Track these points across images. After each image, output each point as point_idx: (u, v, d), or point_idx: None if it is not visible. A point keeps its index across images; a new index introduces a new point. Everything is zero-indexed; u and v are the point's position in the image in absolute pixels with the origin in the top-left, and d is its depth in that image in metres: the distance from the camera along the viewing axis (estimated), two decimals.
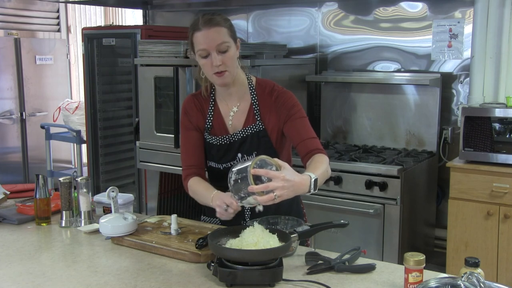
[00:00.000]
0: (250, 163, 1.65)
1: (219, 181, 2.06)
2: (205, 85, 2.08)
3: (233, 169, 1.69)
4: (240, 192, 1.68)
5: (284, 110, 2.00)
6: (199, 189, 1.98)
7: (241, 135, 2.01)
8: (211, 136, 2.04)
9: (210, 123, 2.06)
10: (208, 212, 2.16)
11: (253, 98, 2.03)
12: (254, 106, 2.02)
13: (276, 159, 1.71)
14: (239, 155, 2.01)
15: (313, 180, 1.72)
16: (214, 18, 1.91)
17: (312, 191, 1.73)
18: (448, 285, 1.43)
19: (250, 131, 2.01)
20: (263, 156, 1.70)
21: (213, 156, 2.05)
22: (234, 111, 2.05)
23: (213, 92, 2.08)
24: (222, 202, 1.78)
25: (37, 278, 1.69)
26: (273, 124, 2.01)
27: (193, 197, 2.04)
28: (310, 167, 1.85)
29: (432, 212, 3.85)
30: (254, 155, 1.99)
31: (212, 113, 2.06)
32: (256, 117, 2.01)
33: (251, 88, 2.05)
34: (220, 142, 2.03)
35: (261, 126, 2.01)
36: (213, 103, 2.07)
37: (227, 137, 2.02)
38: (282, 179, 1.63)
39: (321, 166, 1.84)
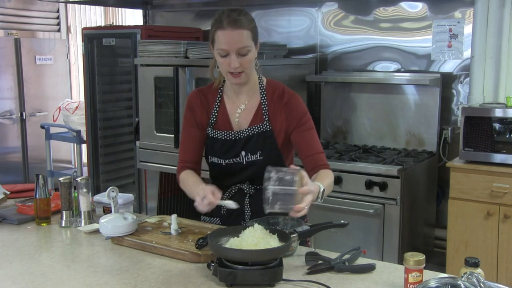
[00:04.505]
0: (292, 179, 1.62)
1: (221, 178, 2.08)
2: (218, 79, 2.08)
3: (272, 180, 1.63)
4: (276, 203, 1.63)
5: (295, 117, 2.01)
6: (189, 181, 2.01)
7: (247, 133, 2.01)
8: (215, 131, 2.04)
9: (215, 118, 2.06)
10: (208, 212, 2.16)
11: (263, 98, 2.03)
12: (263, 106, 2.02)
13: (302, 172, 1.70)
14: (243, 153, 2.01)
15: (321, 190, 1.77)
16: (240, 19, 1.88)
17: (319, 201, 1.77)
18: (448, 285, 1.43)
19: (257, 130, 2.01)
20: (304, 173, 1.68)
21: (216, 151, 2.04)
22: (241, 109, 2.05)
23: (221, 88, 2.09)
24: (203, 193, 1.81)
25: (37, 278, 1.69)
26: (281, 126, 2.01)
27: (183, 188, 2.06)
28: (318, 178, 1.88)
29: (432, 212, 3.85)
30: (258, 154, 1.99)
31: (217, 108, 2.06)
32: (264, 117, 2.01)
33: (261, 88, 2.05)
34: (225, 137, 2.03)
35: (268, 127, 2.01)
36: (219, 98, 2.07)
37: (232, 133, 2.02)
38: (311, 200, 1.67)
39: (327, 180, 1.90)
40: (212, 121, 2.06)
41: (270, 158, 1.98)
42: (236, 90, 2.04)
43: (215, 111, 2.06)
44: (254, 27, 1.94)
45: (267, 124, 2.01)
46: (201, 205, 1.81)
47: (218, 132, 2.04)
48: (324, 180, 1.86)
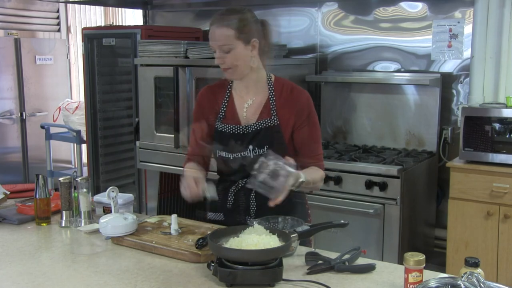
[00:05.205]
0: (284, 178, 1.76)
1: (228, 173, 2.10)
2: None
3: (267, 168, 1.77)
4: (261, 188, 1.77)
5: (303, 114, 2.04)
6: (185, 167, 2.06)
7: (255, 127, 2.04)
8: (223, 125, 2.07)
9: (223, 113, 2.09)
10: (212, 208, 2.17)
11: (271, 94, 2.07)
12: (271, 101, 2.06)
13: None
14: (251, 147, 2.03)
15: (300, 180, 1.81)
16: (226, 17, 1.96)
17: (293, 188, 1.82)
18: (448, 285, 1.43)
19: (265, 124, 2.03)
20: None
21: (224, 145, 2.07)
22: (248, 104, 2.08)
23: (231, 84, 2.13)
24: (186, 182, 1.90)
25: (37, 278, 1.69)
26: (289, 121, 2.04)
27: None
28: (305, 170, 1.93)
29: (432, 212, 3.85)
30: (265, 148, 2.02)
31: (226, 103, 2.10)
32: (272, 112, 2.04)
33: (270, 84, 2.09)
34: (233, 131, 2.05)
35: (276, 121, 2.03)
36: (228, 94, 2.11)
37: (240, 127, 2.05)
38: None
39: (313, 174, 1.95)
40: (221, 116, 2.09)
41: (278, 152, 1.99)
42: (243, 85, 2.08)
43: (224, 106, 2.09)
44: (243, 26, 1.96)
45: (275, 118, 2.04)
46: (185, 195, 1.90)
47: (227, 126, 2.07)
48: (310, 174, 1.92)
